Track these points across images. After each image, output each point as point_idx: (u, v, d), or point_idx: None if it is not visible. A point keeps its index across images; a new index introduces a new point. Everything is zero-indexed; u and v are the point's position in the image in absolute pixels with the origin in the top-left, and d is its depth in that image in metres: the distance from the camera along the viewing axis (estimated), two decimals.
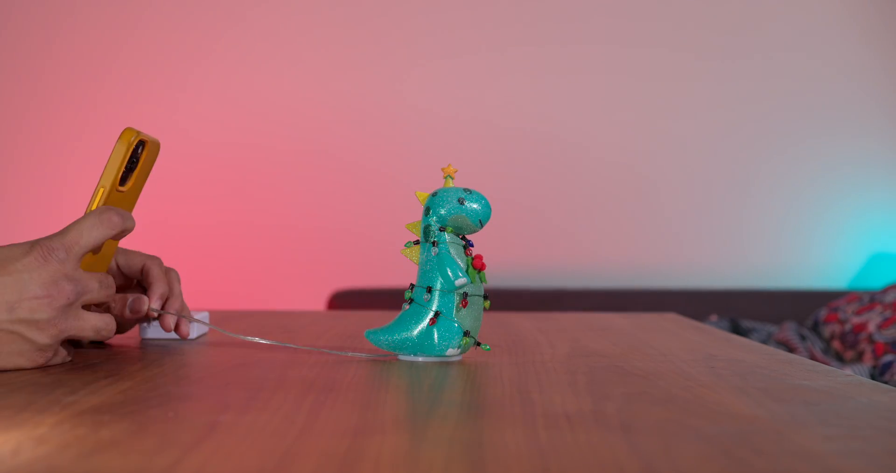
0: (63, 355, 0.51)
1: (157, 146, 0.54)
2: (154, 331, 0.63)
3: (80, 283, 0.48)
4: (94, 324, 0.50)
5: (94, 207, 0.51)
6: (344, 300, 1.67)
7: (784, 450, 0.33)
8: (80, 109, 1.79)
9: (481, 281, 0.54)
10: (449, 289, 0.52)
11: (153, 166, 0.54)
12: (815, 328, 1.44)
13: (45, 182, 1.74)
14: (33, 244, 0.48)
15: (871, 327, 1.30)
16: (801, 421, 0.38)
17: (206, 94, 1.79)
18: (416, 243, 0.54)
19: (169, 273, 0.60)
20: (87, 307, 0.51)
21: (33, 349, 0.48)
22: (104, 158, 0.56)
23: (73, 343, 0.56)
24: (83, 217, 0.50)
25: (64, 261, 0.48)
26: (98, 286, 0.50)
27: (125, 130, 0.51)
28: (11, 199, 1.73)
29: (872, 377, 1.20)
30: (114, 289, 0.51)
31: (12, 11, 1.78)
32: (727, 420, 0.39)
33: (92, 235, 0.49)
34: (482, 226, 0.53)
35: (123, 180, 0.52)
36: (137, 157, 0.52)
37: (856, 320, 1.34)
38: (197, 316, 0.63)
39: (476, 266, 0.53)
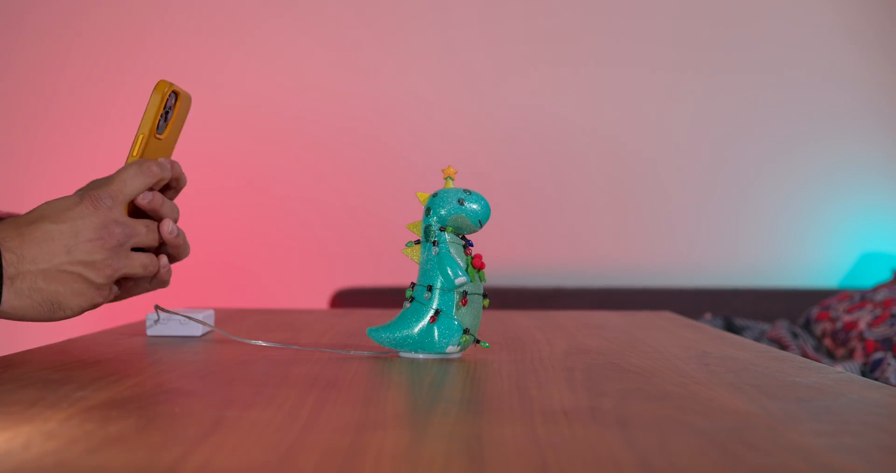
0: (116, 292, 0.55)
1: (188, 99, 0.58)
2: (160, 329, 0.63)
3: (129, 227, 0.53)
4: (142, 261, 0.54)
5: (134, 152, 0.55)
6: (346, 299, 1.68)
7: (777, 445, 0.34)
8: (97, 107, 1.79)
9: (481, 280, 0.54)
10: (449, 288, 0.53)
11: (186, 119, 0.59)
12: (808, 326, 1.46)
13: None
14: (82, 195, 0.52)
15: (862, 325, 1.31)
16: (793, 417, 0.39)
17: (209, 94, 1.79)
18: (417, 242, 0.55)
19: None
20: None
21: (92, 289, 0.52)
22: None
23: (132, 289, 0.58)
24: (125, 167, 0.54)
25: (111, 208, 0.52)
26: (145, 230, 0.54)
27: (159, 82, 0.55)
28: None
29: (863, 374, 1.21)
30: (157, 234, 0.55)
31: None
32: (721, 415, 0.39)
33: (134, 184, 0.53)
34: (482, 226, 0.54)
35: (160, 129, 0.56)
36: (171, 107, 0.56)
37: (847, 318, 1.35)
38: (201, 315, 0.63)
39: (475, 265, 0.54)
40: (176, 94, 0.56)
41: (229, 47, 1.79)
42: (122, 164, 0.56)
